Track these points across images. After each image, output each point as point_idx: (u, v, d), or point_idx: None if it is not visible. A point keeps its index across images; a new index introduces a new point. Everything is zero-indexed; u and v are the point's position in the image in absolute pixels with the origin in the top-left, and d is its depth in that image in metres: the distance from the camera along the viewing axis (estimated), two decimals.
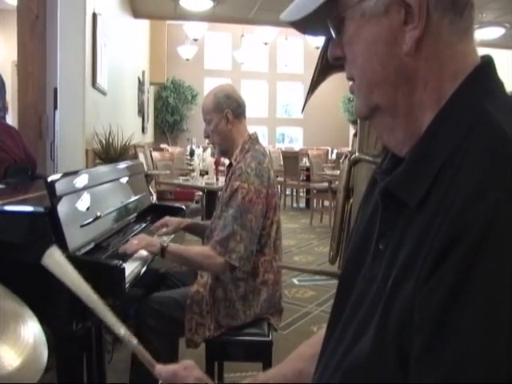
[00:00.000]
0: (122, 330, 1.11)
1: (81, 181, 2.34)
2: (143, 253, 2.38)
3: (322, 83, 2.51)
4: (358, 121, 2.52)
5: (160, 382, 1.13)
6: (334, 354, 0.86)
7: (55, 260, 1.16)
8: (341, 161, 3.03)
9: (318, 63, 2.20)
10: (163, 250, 2.32)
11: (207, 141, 2.74)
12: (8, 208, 2.08)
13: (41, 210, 2.00)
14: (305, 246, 7.17)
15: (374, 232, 0.85)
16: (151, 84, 13.53)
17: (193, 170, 6.55)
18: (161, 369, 1.10)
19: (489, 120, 0.71)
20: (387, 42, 0.77)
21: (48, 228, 1.95)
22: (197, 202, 6.71)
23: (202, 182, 5.72)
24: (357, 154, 2.35)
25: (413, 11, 0.75)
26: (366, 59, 0.81)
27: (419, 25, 0.75)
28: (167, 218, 2.76)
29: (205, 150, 8.44)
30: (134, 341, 1.11)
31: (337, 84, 16.27)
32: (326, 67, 2.23)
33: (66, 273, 1.15)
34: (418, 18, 0.75)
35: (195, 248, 2.47)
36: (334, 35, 0.84)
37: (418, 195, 0.73)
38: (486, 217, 0.63)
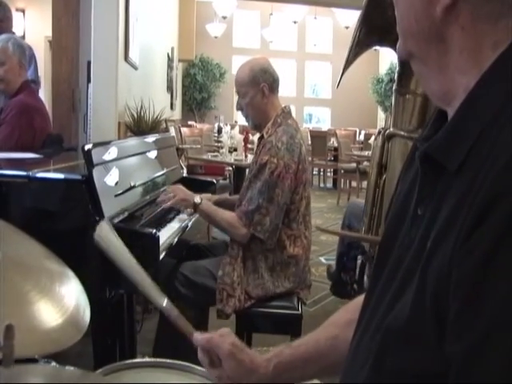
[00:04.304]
0: (164, 302, 1.14)
1: (115, 151, 2.36)
2: (176, 224, 2.44)
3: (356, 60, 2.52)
4: (393, 97, 2.51)
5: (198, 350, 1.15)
6: (372, 318, 0.87)
7: (103, 234, 1.20)
8: (373, 137, 3.01)
9: (355, 37, 2.19)
10: (195, 206, 2.46)
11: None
12: (47, 175, 2.12)
13: (78, 177, 2.05)
14: (332, 226, 7.15)
15: (413, 199, 0.85)
16: (180, 61, 13.53)
17: (221, 147, 6.56)
18: (197, 336, 1.12)
19: None
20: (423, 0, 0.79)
21: (85, 195, 1.99)
22: (224, 179, 6.72)
23: (230, 158, 5.73)
24: (391, 129, 2.34)
25: None
26: (404, 8, 0.83)
27: None
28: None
29: (233, 127, 8.43)
30: (175, 312, 1.15)
31: (366, 65, 16.15)
32: (363, 41, 2.22)
33: (111, 245, 1.18)
34: None
35: (224, 213, 2.51)
36: None
37: (458, 159, 0.73)
38: None
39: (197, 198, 2.49)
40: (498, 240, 0.62)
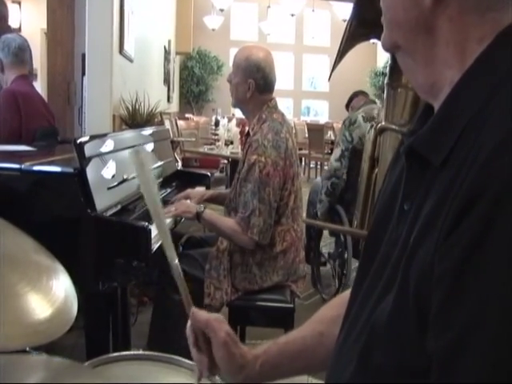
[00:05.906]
0: (175, 259, 1.09)
1: (108, 144, 2.37)
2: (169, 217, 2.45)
3: (349, 53, 2.52)
4: (385, 91, 2.51)
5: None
6: (359, 315, 0.86)
7: (140, 160, 1.11)
8: (366, 130, 3.02)
9: (346, 30, 2.19)
10: (198, 216, 2.42)
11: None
12: (39, 168, 2.12)
13: (70, 170, 2.05)
14: None
15: (399, 194, 0.85)
16: (177, 54, 13.45)
17: (218, 140, 6.55)
18: (196, 312, 1.08)
19: None
20: None
21: (77, 188, 1.99)
22: (221, 172, 6.72)
23: (226, 151, 5.72)
24: (383, 123, 2.35)
25: None
26: None
27: None
28: (189, 191, 2.75)
29: (230, 120, 8.42)
30: (181, 277, 1.09)
31: (364, 58, 16.11)
32: (353, 34, 2.23)
33: (144, 177, 1.08)
34: None
35: (227, 220, 2.49)
36: None
37: (442, 153, 0.73)
38: (508, 173, 0.62)
39: (199, 207, 2.46)
40: (477, 237, 0.62)
